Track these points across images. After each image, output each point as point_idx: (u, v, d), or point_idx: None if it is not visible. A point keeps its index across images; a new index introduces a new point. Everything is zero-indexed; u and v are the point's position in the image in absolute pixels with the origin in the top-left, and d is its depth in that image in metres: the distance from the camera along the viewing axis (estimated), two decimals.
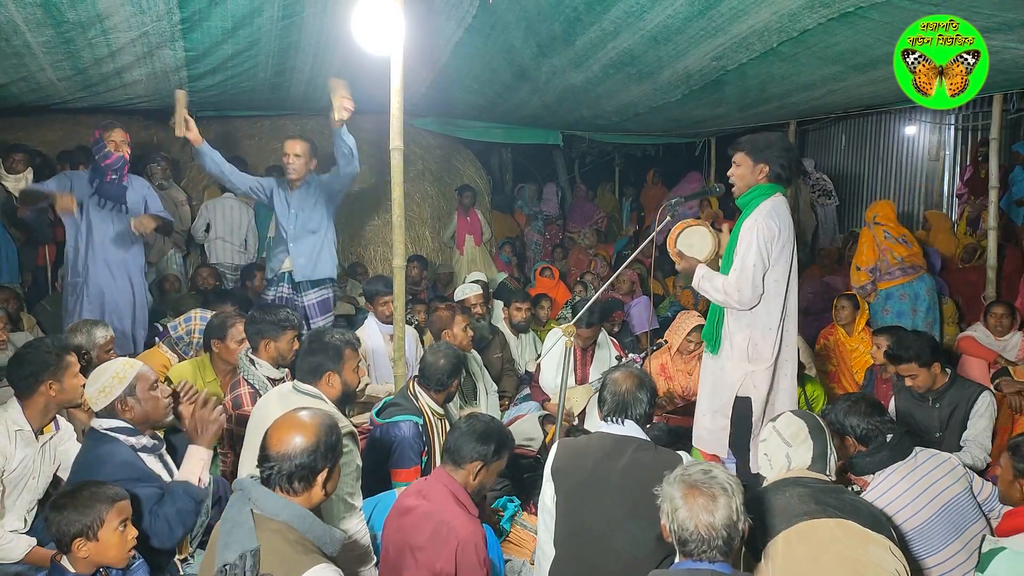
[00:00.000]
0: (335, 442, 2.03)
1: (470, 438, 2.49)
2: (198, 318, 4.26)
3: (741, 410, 3.29)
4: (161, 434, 2.93)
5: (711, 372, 3.44)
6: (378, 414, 3.41)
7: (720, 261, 3.39)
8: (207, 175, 7.48)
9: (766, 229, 3.11)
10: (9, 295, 4.95)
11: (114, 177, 4.57)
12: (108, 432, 2.58)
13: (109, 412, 2.62)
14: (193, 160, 4.68)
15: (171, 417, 2.76)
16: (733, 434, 3.32)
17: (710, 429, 3.40)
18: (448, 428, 3.45)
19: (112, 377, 2.62)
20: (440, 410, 3.45)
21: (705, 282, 3.26)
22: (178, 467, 2.75)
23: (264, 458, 1.96)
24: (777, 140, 3.29)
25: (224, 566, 1.77)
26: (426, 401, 3.41)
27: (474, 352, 4.64)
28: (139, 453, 2.61)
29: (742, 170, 3.27)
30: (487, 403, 4.46)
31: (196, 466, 2.67)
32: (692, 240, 3.43)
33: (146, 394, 2.66)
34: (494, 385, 4.73)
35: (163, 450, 2.78)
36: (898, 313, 5.50)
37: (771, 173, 3.23)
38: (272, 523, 1.88)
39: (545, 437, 4.02)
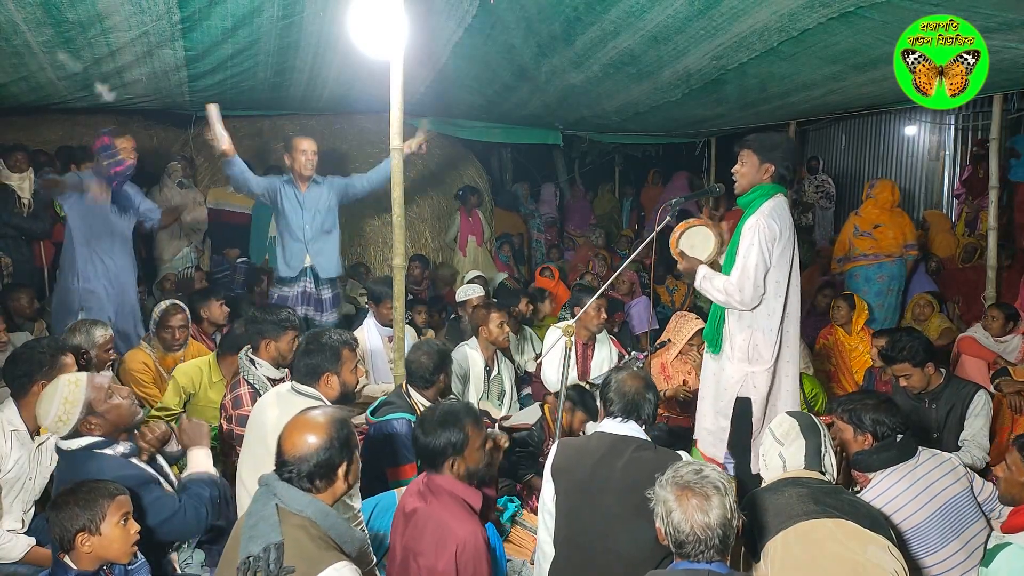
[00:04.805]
0: (348, 434, 2.06)
1: (429, 441, 2.40)
2: (167, 304, 4.30)
3: (741, 410, 3.30)
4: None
5: (712, 373, 3.44)
6: (373, 413, 3.42)
7: (722, 261, 3.39)
8: (219, 176, 7.52)
9: (767, 229, 3.11)
10: (31, 295, 4.95)
11: (121, 182, 4.65)
12: (84, 450, 2.47)
13: (76, 433, 2.49)
14: (224, 170, 4.84)
15: (140, 416, 2.68)
16: (732, 434, 3.33)
17: (710, 430, 3.40)
18: None
19: (64, 403, 2.46)
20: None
21: (706, 282, 3.26)
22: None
23: (282, 463, 1.99)
24: (784, 141, 3.31)
25: (248, 558, 1.80)
26: (418, 399, 3.41)
27: (506, 360, 4.67)
28: (127, 458, 2.54)
29: (747, 168, 3.27)
30: (511, 408, 4.51)
31: (206, 462, 2.65)
32: (694, 240, 3.43)
33: (106, 405, 2.52)
34: (515, 392, 4.76)
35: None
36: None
37: (775, 174, 3.23)
38: (296, 518, 1.91)
39: (543, 409, 4.01)
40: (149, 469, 2.61)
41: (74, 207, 4.60)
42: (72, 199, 4.58)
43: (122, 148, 4.54)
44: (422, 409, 3.37)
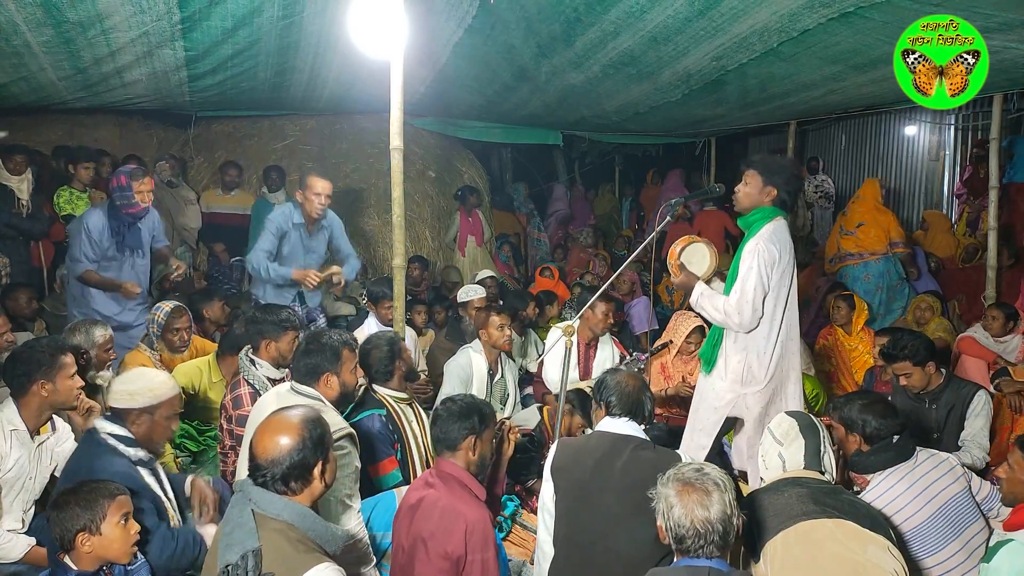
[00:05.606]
0: (321, 433, 2.03)
1: (454, 419, 2.49)
2: (171, 307, 4.27)
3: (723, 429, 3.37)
4: None
5: (700, 391, 3.47)
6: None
7: (719, 280, 3.42)
8: (207, 173, 7.52)
9: (767, 253, 3.13)
10: (30, 295, 4.95)
11: (132, 223, 4.60)
12: (109, 438, 2.55)
13: (118, 415, 2.60)
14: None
15: (162, 449, 2.78)
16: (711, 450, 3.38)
17: (688, 445, 3.43)
18: (420, 412, 3.51)
19: (146, 388, 2.61)
20: (403, 395, 3.45)
21: (705, 300, 3.27)
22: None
23: (256, 468, 1.96)
24: (789, 166, 3.35)
25: (226, 567, 1.78)
26: (385, 392, 3.40)
27: (511, 363, 4.67)
28: (135, 466, 2.59)
29: (750, 188, 3.28)
30: (514, 411, 4.50)
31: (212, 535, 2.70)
32: (692, 258, 3.44)
33: (162, 421, 2.65)
34: (518, 395, 4.77)
35: (156, 464, 2.74)
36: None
37: (777, 198, 3.25)
38: (273, 522, 1.88)
39: (541, 413, 4.02)
40: (156, 487, 2.64)
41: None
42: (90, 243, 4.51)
43: (138, 192, 4.46)
44: (392, 403, 3.37)
